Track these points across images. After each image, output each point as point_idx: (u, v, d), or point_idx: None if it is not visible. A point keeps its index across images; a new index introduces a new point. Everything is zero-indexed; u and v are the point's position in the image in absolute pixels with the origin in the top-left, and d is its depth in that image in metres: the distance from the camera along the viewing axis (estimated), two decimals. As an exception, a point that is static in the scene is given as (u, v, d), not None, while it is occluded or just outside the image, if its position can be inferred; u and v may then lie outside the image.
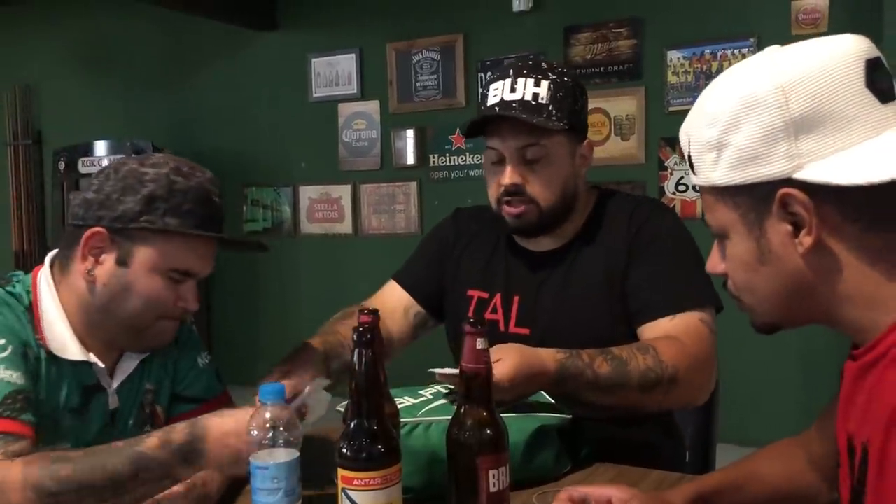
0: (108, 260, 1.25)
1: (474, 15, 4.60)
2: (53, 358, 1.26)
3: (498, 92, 1.51)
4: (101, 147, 5.31)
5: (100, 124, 5.67)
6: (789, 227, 0.85)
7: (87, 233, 1.24)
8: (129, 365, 1.36)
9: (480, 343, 1.03)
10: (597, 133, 4.25)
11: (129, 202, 1.23)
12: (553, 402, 1.38)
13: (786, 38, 3.86)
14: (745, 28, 3.91)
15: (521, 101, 1.47)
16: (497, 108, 1.49)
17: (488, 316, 1.60)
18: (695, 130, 0.90)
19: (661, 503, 1.09)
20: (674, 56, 4.07)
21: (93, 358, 1.28)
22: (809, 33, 3.70)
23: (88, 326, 1.29)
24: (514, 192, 1.51)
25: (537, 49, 4.42)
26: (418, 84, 4.79)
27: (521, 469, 1.23)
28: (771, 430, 3.62)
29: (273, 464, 1.01)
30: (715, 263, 0.96)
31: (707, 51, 4.00)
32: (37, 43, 6.00)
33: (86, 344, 1.28)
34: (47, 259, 1.34)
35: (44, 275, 1.31)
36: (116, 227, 1.23)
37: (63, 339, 1.27)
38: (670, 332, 1.44)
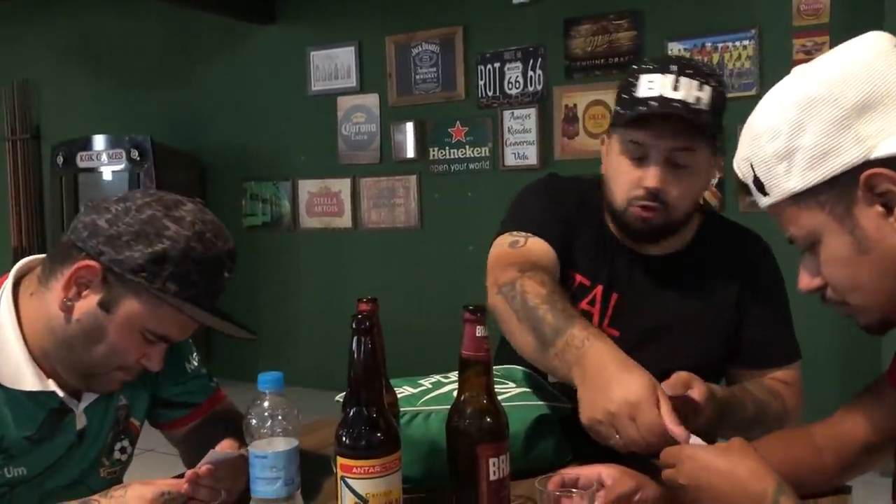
0: (92, 297, 1.15)
1: (474, 7, 4.59)
2: (1, 389, 1.17)
3: (655, 86, 1.38)
4: (99, 142, 5.31)
5: (98, 119, 5.66)
6: (880, 209, 0.86)
7: (81, 263, 1.14)
8: None
9: (480, 331, 1.02)
10: (598, 125, 4.24)
11: (137, 252, 1.13)
12: (553, 391, 1.38)
13: (787, 30, 3.89)
14: (746, 19, 3.89)
15: (684, 103, 1.36)
16: (657, 104, 1.37)
17: (584, 306, 1.50)
18: (756, 152, 0.93)
19: (655, 484, 1.08)
20: (674, 48, 4.06)
21: (52, 386, 1.19)
22: (811, 24, 3.68)
23: (47, 353, 1.19)
24: (654, 196, 1.41)
25: (537, 41, 4.41)
26: (418, 77, 4.78)
27: (520, 459, 1.22)
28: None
29: (272, 452, 1.00)
30: (807, 281, 0.97)
31: (708, 42, 3.98)
32: (35, 37, 5.99)
33: (44, 369, 1.19)
34: (13, 272, 1.24)
35: (5, 292, 1.21)
36: (114, 269, 1.14)
37: (17, 368, 1.17)
38: (786, 380, 1.49)
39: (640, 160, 1.42)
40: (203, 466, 1.10)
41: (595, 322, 1.48)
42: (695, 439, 1.05)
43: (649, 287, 1.51)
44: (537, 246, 1.47)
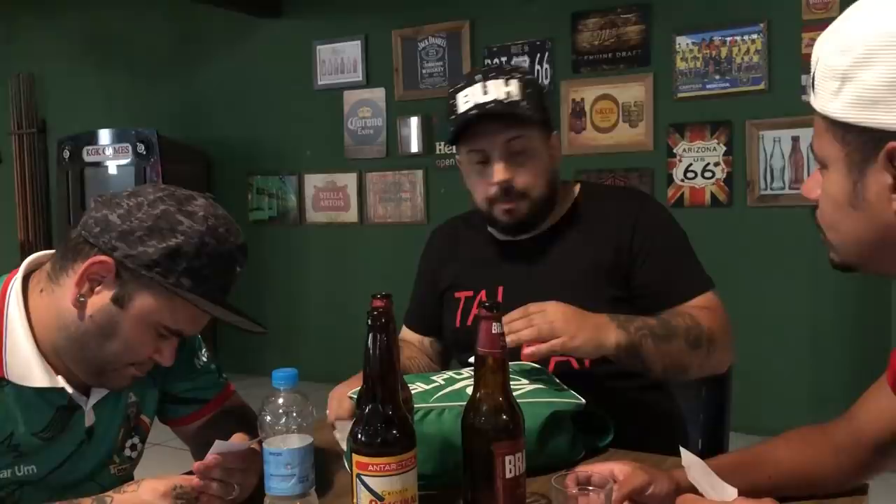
0: (105, 293, 1.14)
1: (481, 1, 4.57)
2: (11, 385, 1.16)
3: (469, 97, 1.57)
4: (105, 136, 5.30)
5: (105, 113, 5.66)
6: (890, 181, 0.82)
7: (94, 259, 1.13)
8: None
9: (496, 328, 1.02)
10: (605, 120, 4.22)
11: (151, 246, 1.12)
12: (567, 388, 1.37)
13: (796, 23, 3.86)
14: (755, 13, 3.87)
15: (496, 101, 1.54)
16: (475, 111, 1.54)
17: (475, 311, 1.62)
18: (826, 53, 0.85)
19: (667, 478, 1.07)
20: (682, 42, 4.03)
21: (61, 382, 1.18)
22: (821, 18, 3.66)
23: (58, 349, 1.18)
24: (506, 189, 1.56)
25: (544, 35, 4.39)
26: (424, 71, 4.76)
27: (534, 455, 1.21)
28: (782, 418, 3.61)
29: (286, 450, 1.00)
30: (811, 188, 0.93)
31: (716, 36, 3.96)
32: (41, 31, 5.99)
33: (54, 365, 1.19)
34: (21, 268, 1.23)
35: (14, 288, 1.20)
36: (127, 265, 1.13)
37: (26, 364, 1.16)
38: (699, 305, 1.53)
39: (484, 164, 1.58)
40: (210, 456, 1.10)
41: None
42: (724, 488, 0.99)
43: (532, 267, 1.63)
44: (403, 333, 1.81)
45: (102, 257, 1.13)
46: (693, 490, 1.02)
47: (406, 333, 1.82)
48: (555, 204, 1.64)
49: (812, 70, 0.88)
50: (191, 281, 1.14)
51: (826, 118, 0.85)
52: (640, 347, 1.41)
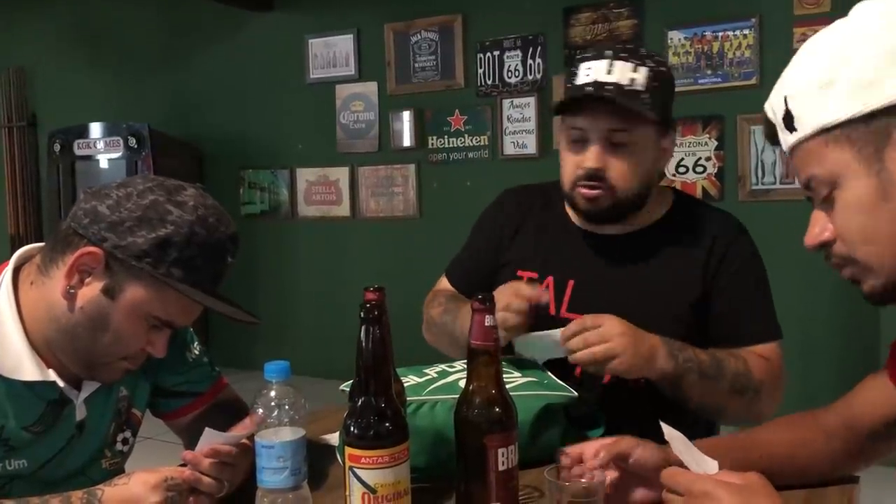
0: (95, 284, 1.14)
1: (473, -5, 4.56)
2: (1, 379, 1.15)
3: (591, 72, 1.46)
4: (96, 129, 5.28)
5: (95, 106, 5.63)
6: None
7: (84, 250, 1.12)
8: None
9: (489, 320, 1.02)
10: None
11: (140, 237, 1.11)
12: (558, 380, 1.37)
13: (788, 18, 3.87)
14: (747, 8, 3.87)
15: (617, 85, 1.43)
16: (591, 89, 1.44)
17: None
18: (793, 84, 0.88)
19: (656, 448, 1.08)
20: (675, 36, 4.04)
21: (52, 376, 1.17)
22: (812, 13, 3.66)
23: (49, 341, 1.18)
24: (594, 177, 1.47)
25: (537, 30, 4.39)
26: (416, 65, 4.75)
27: (527, 448, 1.21)
28: (773, 413, 3.63)
29: (279, 442, 0.99)
30: (816, 233, 0.91)
31: (708, 31, 3.96)
32: (31, 24, 5.95)
33: (44, 358, 1.18)
34: (12, 260, 1.22)
35: (4, 281, 1.19)
36: (117, 255, 1.12)
37: (17, 357, 1.15)
38: (760, 354, 1.49)
39: (581, 143, 1.48)
40: (205, 448, 1.10)
41: (552, 310, 1.52)
42: (705, 461, 0.99)
43: (608, 267, 1.54)
44: (441, 283, 1.75)
45: (92, 248, 1.12)
46: (681, 465, 1.02)
47: (443, 283, 1.73)
48: (643, 205, 1.53)
49: (779, 117, 0.90)
50: (181, 271, 1.13)
51: (822, 133, 0.85)
52: (682, 380, 1.36)
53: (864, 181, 0.84)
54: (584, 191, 1.48)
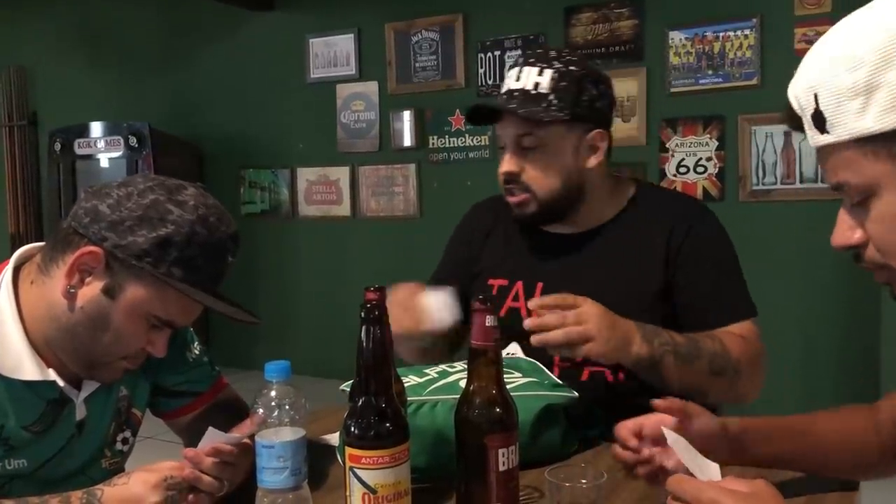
0: (95, 284, 1.13)
1: (474, -6, 4.56)
2: (1, 379, 1.15)
3: (508, 81, 1.53)
4: (97, 129, 5.27)
5: (96, 106, 5.62)
6: None
7: (84, 249, 1.12)
8: None
9: (490, 320, 1.02)
10: (597, 114, 4.22)
11: (141, 236, 1.11)
12: (559, 381, 1.37)
13: (789, 18, 3.87)
14: (748, 8, 3.87)
15: (523, 91, 1.49)
16: (504, 97, 1.50)
17: (510, 304, 1.58)
18: (827, 80, 0.79)
19: (717, 423, 1.08)
20: (675, 36, 4.04)
21: (52, 375, 1.17)
22: (813, 13, 3.66)
23: (49, 341, 1.17)
24: (511, 181, 1.53)
25: (538, 29, 4.39)
26: (417, 65, 4.75)
27: (527, 448, 1.21)
28: (772, 410, 3.63)
29: (279, 442, 0.99)
30: (847, 235, 0.86)
31: (709, 31, 3.96)
32: (31, 22, 5.95)
33: (45, 358, 1.18)
34: (12, 260, 1.21)
35: (4, 280, 1.19)
36: (117, 255, 1.12)
37: (17, 357, 1.15)
38: (735, 332, 1.49)
39: (502, 150, 1.55)
40: (207, 447, 1.09)
41: (524, 313, 1.52)
42: (709, 466, 0.98)
43: (574, 266, 1.56)
44: None
45: (92, 248, 1.12)
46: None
47: None
48: (582, 201, 1.55)
49: (807, 113, 0.83)
50: (182, 271, 1.13)
51: (858, 141, 0.79)
52: (659, 364, 1.37)
53: None
54: (509, 196, 1.55)
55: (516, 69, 1.52)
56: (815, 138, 0.84)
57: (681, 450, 1.00)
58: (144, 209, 1.12)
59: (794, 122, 0.86)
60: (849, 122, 0.78)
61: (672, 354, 1.37)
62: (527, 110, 1.47)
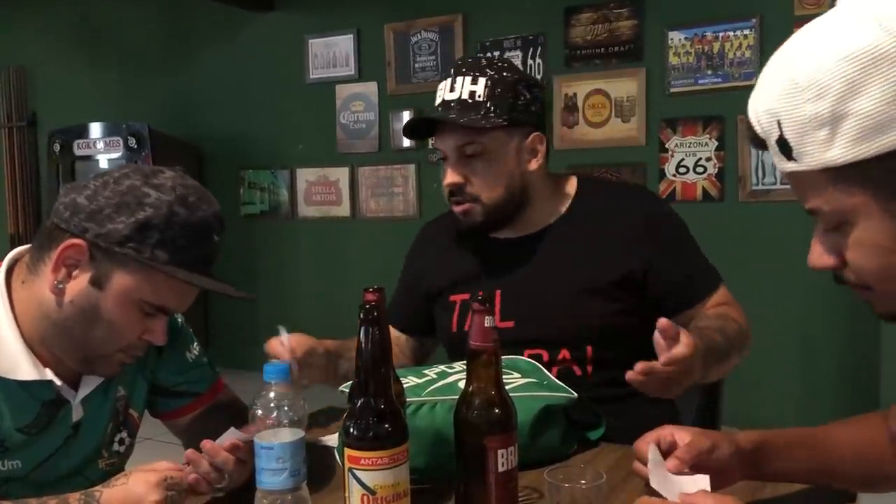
0: (82, 277, 1.13)
1: (473, -5, 4.56)
2: None
3: (441, 92, 1.54)
4: (96, 129, 5.27)
5: (95, 106, 5.62)
6: None
7: (67, 243, 1.12)
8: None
9: (489, 321, 1.02)
10: (597, 115, 4.22)
11: (120, 223, 1.11)
12: (559, 382, 1.37)
13: (789, 19, 3.86)
14: (748, 8, 3.87)
15: (459, 100, 1.50)
16: (439, 109, 1.52)
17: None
18: (789, 109, 0.75)
19: (728, 441, 1.06)
20: (675, 37, 4.03)
21: (49, 375, 1.17)
22: (813, 13, 3.66)
23: (44, 339, 1.17)
24: (457, 192, 1.54)
25: (537, 30, 4.38)
26: (417, 65, 4.75)
27: (526, 449, 1.21)
28: (773, 414, 3.62)
29: (278, 444, 0.99)
30: (823, 258, 0.83)
31: (709, 31, 3.96)
32: (31, 23, 5.95)
33: (41, 358, 1.17)
34: (5, 261, 1.22)
35: None
36: (99, 244, 1.11)
37: (13, 358, 1.15)
38: (721, 301, 1.55)
39: (445, 161, 1.55)
40: (226, 443, 1.10)
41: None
42: (679, 483, 0.99)
43: (530, 269, 1.58)
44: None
45: (74, 240, 1.12)
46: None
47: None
48: (527, 204, 1.57)
49: (771, 138, 0.79)
50: (166, 253, 1.12)
51: (828, 171, 0.75)
52: (707, 375, 1.36)
53: (882, 224, 0.76)
54: (455, 207, 1.56)
55: (449, 80, 1.53)
56: (781, 164, 0.80)
57: (657, 473, 1.02)
58: (121, 195, 1.12)
59: (759, 144, 0.83)
60: (815, 153, 0.75)
61: (716, 363, 1.38)
62: (467, 119, 1.49)
